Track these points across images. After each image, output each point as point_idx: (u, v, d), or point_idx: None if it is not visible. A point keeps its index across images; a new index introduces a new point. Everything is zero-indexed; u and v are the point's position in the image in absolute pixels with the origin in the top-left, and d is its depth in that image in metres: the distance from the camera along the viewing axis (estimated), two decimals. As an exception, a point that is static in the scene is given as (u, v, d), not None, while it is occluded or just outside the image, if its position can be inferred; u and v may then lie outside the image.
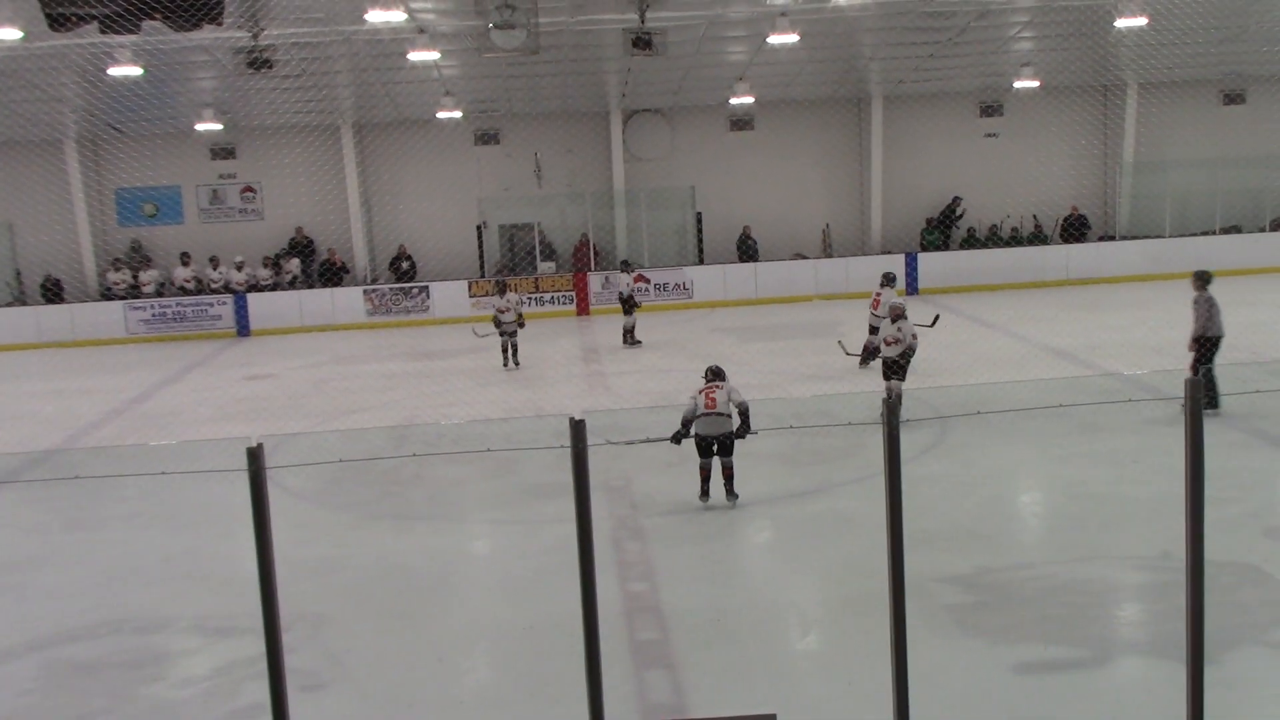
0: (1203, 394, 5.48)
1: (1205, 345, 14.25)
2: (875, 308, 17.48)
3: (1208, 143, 28.23)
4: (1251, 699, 6.99)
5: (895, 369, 13.71)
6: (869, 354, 17.36)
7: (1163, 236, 27.83)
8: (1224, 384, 13.34)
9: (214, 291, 26.57)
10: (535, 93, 25.63)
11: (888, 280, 18.05)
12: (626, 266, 22.80)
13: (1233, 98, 29.05)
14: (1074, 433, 13.02)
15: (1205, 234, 28.10)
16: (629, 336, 21.59)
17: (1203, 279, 14.61)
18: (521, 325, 19.72)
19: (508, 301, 19.67)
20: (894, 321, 13.76)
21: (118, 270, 26.86)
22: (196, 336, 25.86)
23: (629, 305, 21.65)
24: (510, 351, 19.65)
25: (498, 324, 19.77)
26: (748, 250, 27.77)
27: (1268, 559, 9.11)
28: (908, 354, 13.71)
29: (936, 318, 15.67)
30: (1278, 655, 7.53)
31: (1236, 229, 28.42)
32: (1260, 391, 12.73)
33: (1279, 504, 11.02)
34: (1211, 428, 5.47)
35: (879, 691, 6.09)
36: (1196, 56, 25.09)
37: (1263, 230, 28.42)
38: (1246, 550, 9.24)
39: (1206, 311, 14.29)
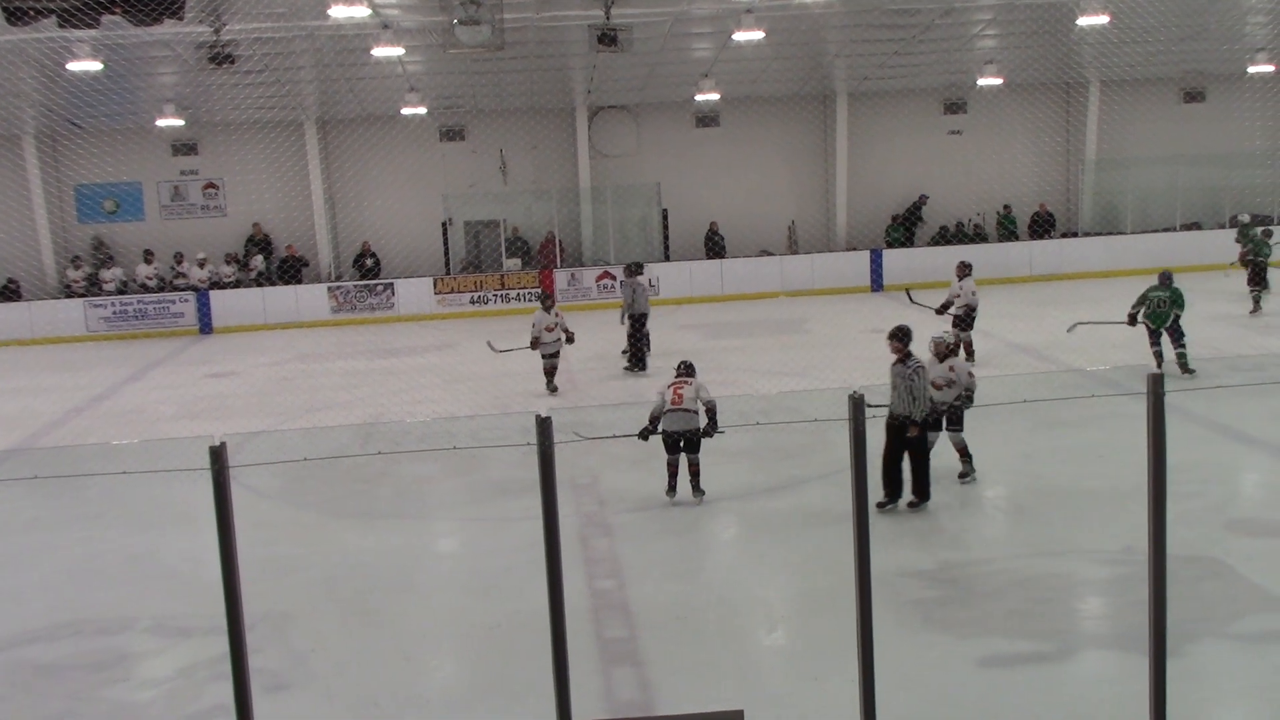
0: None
1: (636, 321, 18.38)
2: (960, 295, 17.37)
3: (1168, 140, 28.53)
4: (1214, 691, 7.06)
5: (953, 418, 11.27)
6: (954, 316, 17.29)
7: (1124, 233, 28.08)
8: (1186, 379, 13.47)
9: (176, 289, 26.32)
10: (500, 89, 25.55)
11: (965, 270, 17.49)
12: (639, 269, 19.59)
13: (1193, 96, 29.36)
14: (1038, 428, 13.11)
15: (1166, 230, 28.37)
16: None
17: (632, 269, 18.98)
18: (570, 341, 16.90)
19: (555, 317, 16.67)
20: (942, 360, 11.25)
21: (77, 268, 26.58)
22: (158, 334, 25.63)
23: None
24: (552, 374, 16.82)
25: (538, 345, 16.64)
26: (715, 246, 27.80)
27: (1229, 552, 9.21)
28: (965, 399, 11.20)
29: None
30: (1239, 647, 7.61)
31: (1197, 225, 28.72)
32: (1220, 387, 12.90)
33: (1240, 497, 11.15)
34: (1173, 422, 5.52)
35: (846, 686, 6.11)
36: (1157, 55, 25.34)
37: (1222, 227, 28.66)
38: (1208, 544, 9.33)
39: (630, 295, 18.40)
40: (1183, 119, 29.12)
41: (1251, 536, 9.68)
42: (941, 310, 17.30)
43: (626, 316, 18.52)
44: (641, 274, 19.08)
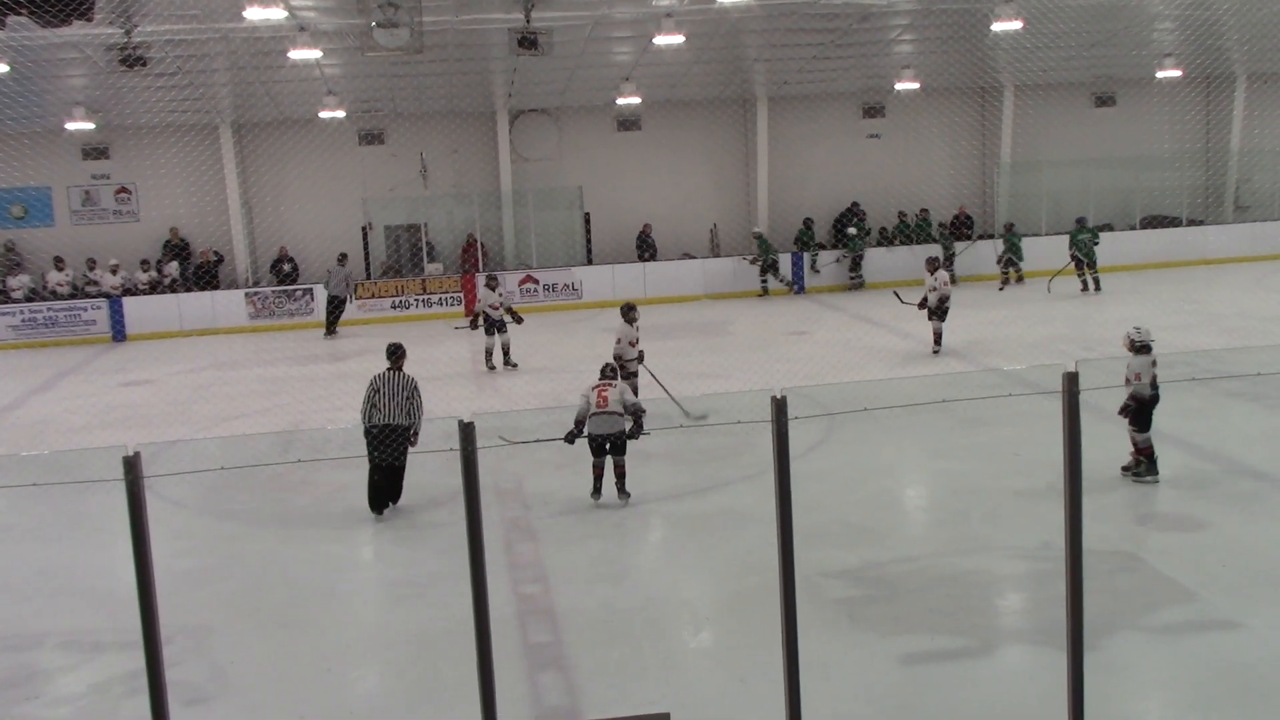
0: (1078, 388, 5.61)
1: (333, 309, 23.88)
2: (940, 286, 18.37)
3: (1081, 143, 29.13)
4: (1129, 682, 7.21)
5: (1136, 417, 11.09)
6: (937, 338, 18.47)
7: (1039, 235, 28.59)
8: (1099, 377, 13.71)
9: (89, 296, 25.72)
10: (420, 92, 25.35)
11: (934, 264, 18.80)
12: (492, 282, 19.90)
13: (1104, 100, 30.01)
14: (957, 427, 13.29)
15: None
16: (506, 356, 19.25)
17: (341, 260, 24.24)
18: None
19: (637, 332, 15.19)
20: (1137, 354, 11.10)
21: (-17, 275, 25.91)
22: (69, 342, 25.01)
23: (491, 325, 19.07)
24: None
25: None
26: (647, 249, 27.76)
27: (1142, 546, 9.42)
28: (1140, 400, 11.02)
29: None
30: (1153, 640, 7.77)
31: (1108, 227, 29.27)
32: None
33: (1151, 493, 11.38)
34: (1087, 420, 5.62)
35: (771, 686, 6.13)
36: (1069, 60, 25.86)
37: (1133, 228, 29.38)
38: (1122, 538, 9.54)
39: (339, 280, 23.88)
40: (1094, 123, 29.77)
41: (1163, 531, 9.92)
42: (922, 305, 18.33)
43: (329, 296, 24.06)
44: (344, 264, 24.40)
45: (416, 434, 11.36)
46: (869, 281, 27.36)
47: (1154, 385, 11.00)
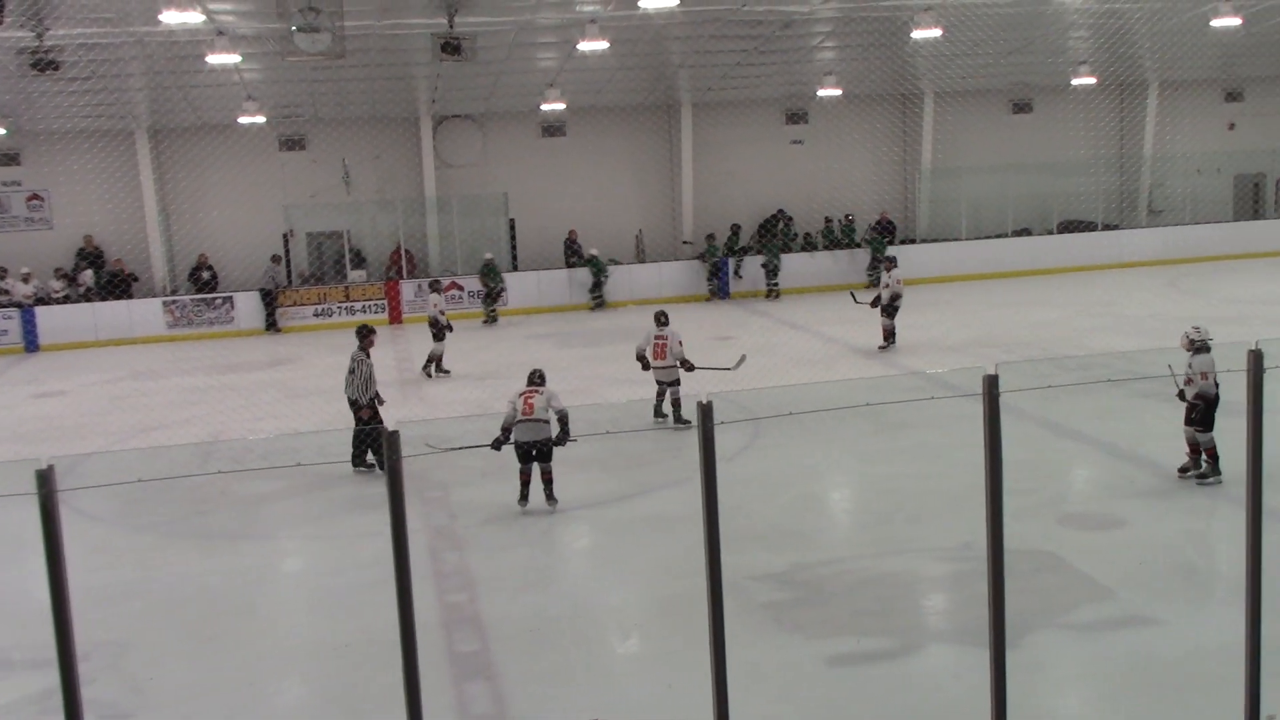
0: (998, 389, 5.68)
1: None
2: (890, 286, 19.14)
3: (999, 149, 29.64)
4: (1051, 680, 7.32)
5: (1202, 418, 10.82)
6: (890, 335, 19.16)
7: (959, 240, 29.03)
8: (1019, 379, 13.98)
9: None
10: (342, 98, 25.11)
11: (892, 264, 19.79)
12: (437, 285, 20.44)
13: (1021, 107, 30.56)
14: (881, 431, 13.44)
15: (998, 237, 29.43)
16: (438, 365, 19.15)
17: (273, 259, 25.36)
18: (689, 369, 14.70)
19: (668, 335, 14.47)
20: (1196, 353, 10.83)
21: (-112, 285, 25.15)
22: (-20, 353, 24.40)
23: (440, 330, 18.96)
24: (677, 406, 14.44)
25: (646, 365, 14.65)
26: (574, 255, 27.68)
27: (1062, 545, 9.57)
28: (1208, 399, 10.79)
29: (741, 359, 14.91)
30: (1074, 637, 7.90)
31: (1027, 231, 29.87)
32: (1051, 386, 13.42)
33: (1072, 492, 11.61)
34: (1007, 421, 5.71)
35: (700, 691, 6.13)
36: (987, 67, 26.32)
37: (1050, 233, 29.92)
38: (1043, 538, 9.69)
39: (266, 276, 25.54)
40: (1012, 129, 30.32)
41: (1083, 530, 10.09)
42: (875, 304, 19.11)
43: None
44: (277, 263, 26.15)
45: (377, 399, 13.04)
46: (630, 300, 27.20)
47: (1215, 383, 10.89)
